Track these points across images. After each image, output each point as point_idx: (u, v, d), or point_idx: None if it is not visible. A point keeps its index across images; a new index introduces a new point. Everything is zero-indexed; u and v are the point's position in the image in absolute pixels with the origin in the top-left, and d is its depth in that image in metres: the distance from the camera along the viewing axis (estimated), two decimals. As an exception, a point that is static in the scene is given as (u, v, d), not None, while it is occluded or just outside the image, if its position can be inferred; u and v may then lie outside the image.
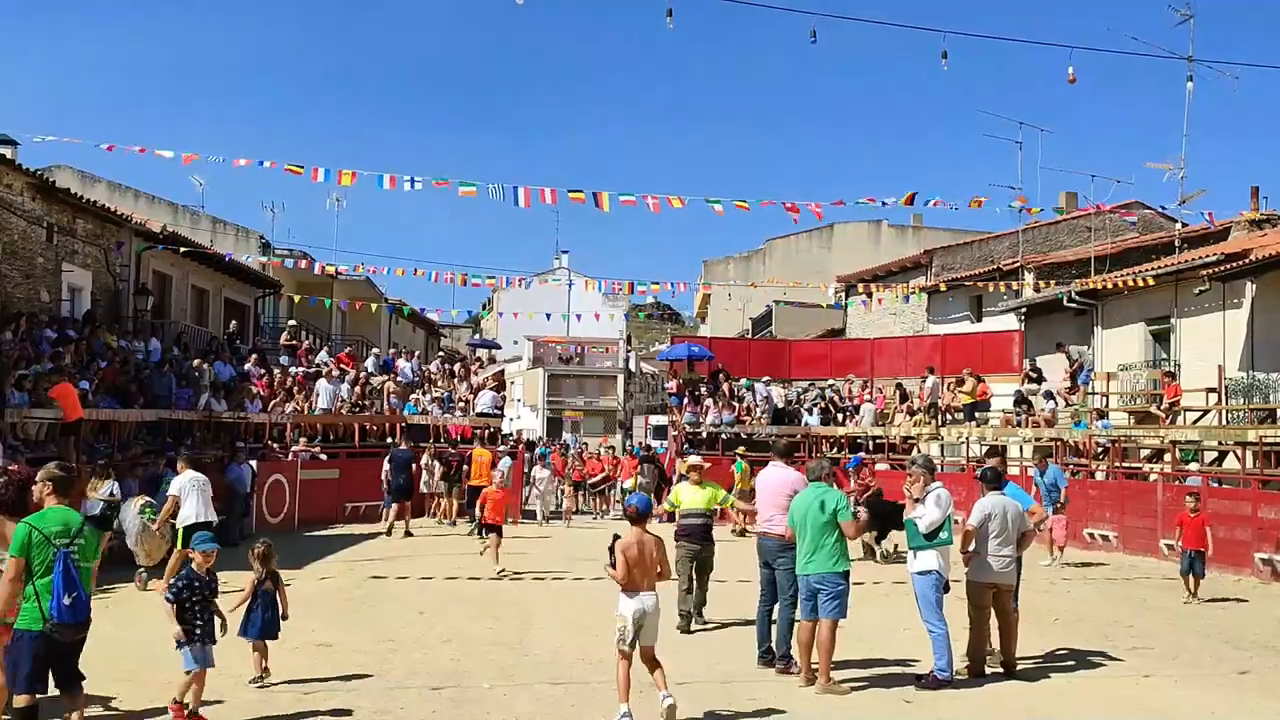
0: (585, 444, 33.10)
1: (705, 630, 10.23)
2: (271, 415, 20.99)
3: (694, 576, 10.41)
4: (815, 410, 24.68)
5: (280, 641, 9.26)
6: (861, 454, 21.75)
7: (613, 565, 6.99)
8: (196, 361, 20.25)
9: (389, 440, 22.30)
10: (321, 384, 22.17)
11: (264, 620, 8.01)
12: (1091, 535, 17.69)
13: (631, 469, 24.17)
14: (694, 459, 11.59)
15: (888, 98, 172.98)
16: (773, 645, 8.62)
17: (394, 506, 18.80)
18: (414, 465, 19.93)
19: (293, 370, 23.13)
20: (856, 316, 33.94)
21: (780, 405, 24.71)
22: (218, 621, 7.31)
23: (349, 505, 20.87)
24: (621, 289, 29.60)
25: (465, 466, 20.66)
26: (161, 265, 23.60)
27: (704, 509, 10.54)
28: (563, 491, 23.90)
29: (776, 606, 8.64)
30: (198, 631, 7.16)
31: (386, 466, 19.37)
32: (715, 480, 11.83)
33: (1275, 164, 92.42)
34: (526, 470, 23.94)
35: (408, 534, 18.42)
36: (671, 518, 11.63)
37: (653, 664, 6.97)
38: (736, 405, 24.74)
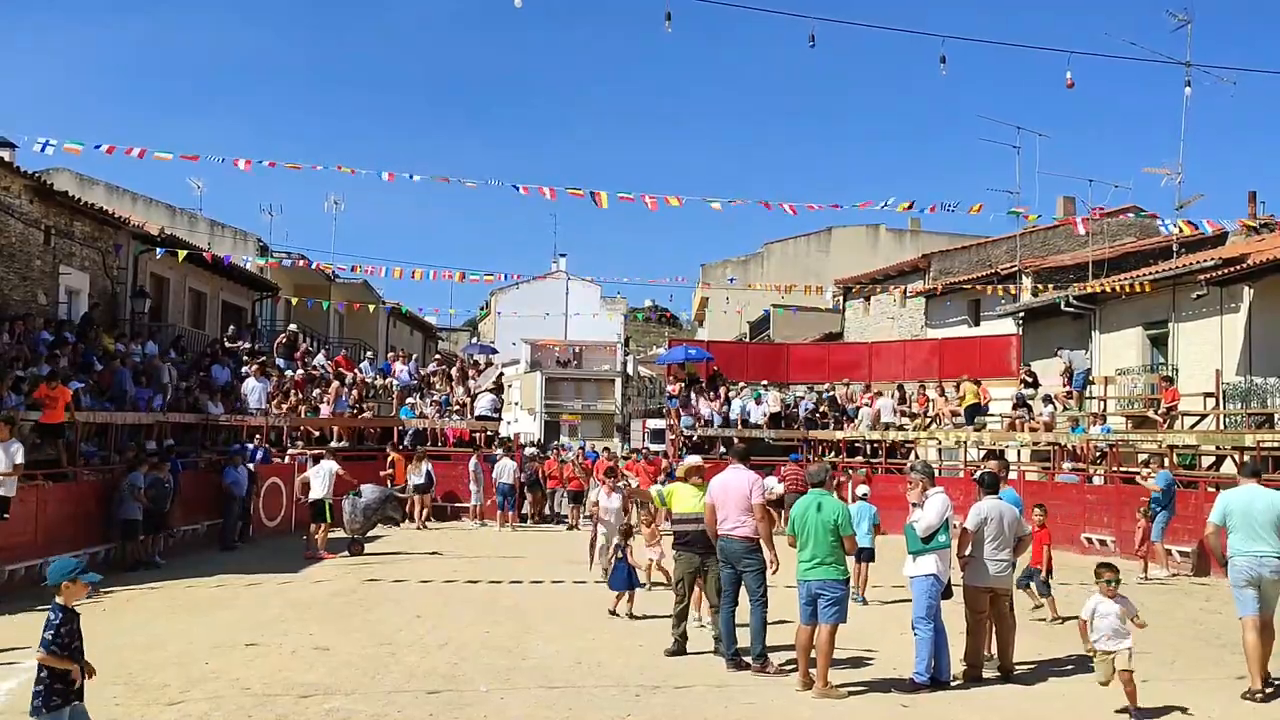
0: (580, 446, 32.28)
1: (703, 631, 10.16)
2: (268, 418, 20.96)
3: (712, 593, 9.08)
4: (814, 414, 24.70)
5: (277, 645, 9.33)
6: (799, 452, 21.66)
7: None
8: (140, 352, 19.34)
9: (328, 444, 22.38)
10: (250, 383, 21.18)
11: (620, 575, 10.98)
12: (1089, 540, 17.70)
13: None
14: (693, 460, 10.31)
15: (886, 101, 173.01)
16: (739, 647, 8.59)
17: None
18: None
19: (289, 374, 23.11)
20: (854, 320, 33.96)
21: (777, 410, 24.67)
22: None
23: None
24: (619, 285, 29.69)
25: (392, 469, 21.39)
26: (159, 268, 23.57)
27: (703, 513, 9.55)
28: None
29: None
30: (75, 687, 5.26)
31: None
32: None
33: (1273, 168, 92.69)
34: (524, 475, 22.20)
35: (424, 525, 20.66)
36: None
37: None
38: (731, 407, 24.72)
